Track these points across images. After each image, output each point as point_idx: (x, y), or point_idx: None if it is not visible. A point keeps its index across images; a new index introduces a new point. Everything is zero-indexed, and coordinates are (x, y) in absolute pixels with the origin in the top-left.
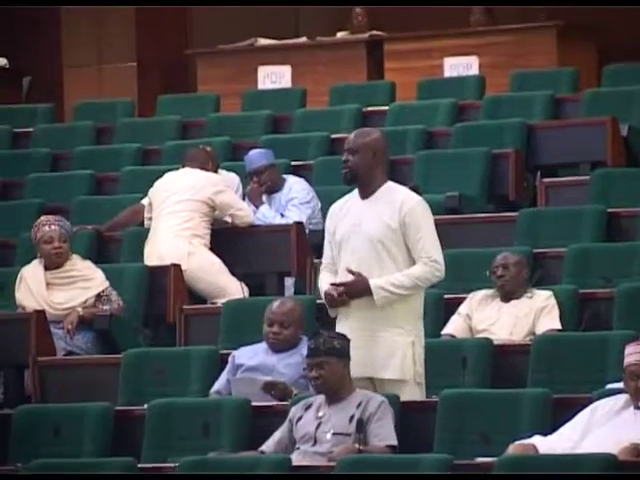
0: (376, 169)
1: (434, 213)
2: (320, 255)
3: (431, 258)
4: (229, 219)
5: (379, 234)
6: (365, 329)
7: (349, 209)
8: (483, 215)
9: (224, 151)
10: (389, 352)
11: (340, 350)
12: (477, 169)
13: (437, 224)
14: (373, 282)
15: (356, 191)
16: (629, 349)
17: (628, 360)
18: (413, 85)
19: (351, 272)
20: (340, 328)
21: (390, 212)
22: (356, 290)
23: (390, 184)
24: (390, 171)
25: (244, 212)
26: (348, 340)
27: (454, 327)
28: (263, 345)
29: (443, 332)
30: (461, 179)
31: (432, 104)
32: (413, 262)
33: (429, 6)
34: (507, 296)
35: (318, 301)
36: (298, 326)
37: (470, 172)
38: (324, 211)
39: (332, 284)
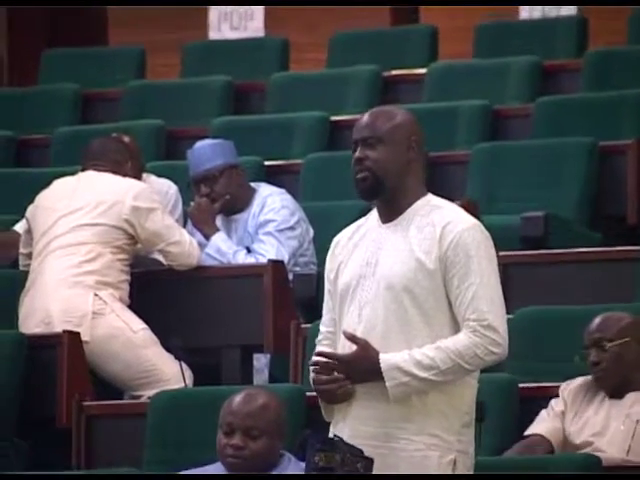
0: (411, 173)
1: (503, 245)
2: (313, 316)
3: (484, 322)
4: (160, 257)
5: (405, 279)
6: (373, 437)
7: (360, 241)
8: (585, 250)
9: (154, 143)
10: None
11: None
12: (574, 173)
13: (507, 264)
14: (386, 359)
15: (373, 214)
16: None
17: None
18: (467, 33)
19: (351, 338)
20: (337, 433)
21: (425, 242)
22: (358, 370)
23: (431, 198)
24: (428, 175)
25: (184, 245)
26: (372, 460)
27: (545, 427)
28: (217, 467)
29: (528, 432)
30: (548, 189)
31: (499, 65)
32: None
33: None
34: (615, 390)
35: (309, 393)
36: (275, 435)
37: (563, 178)
38: (321, 243)
39: (317, 352)
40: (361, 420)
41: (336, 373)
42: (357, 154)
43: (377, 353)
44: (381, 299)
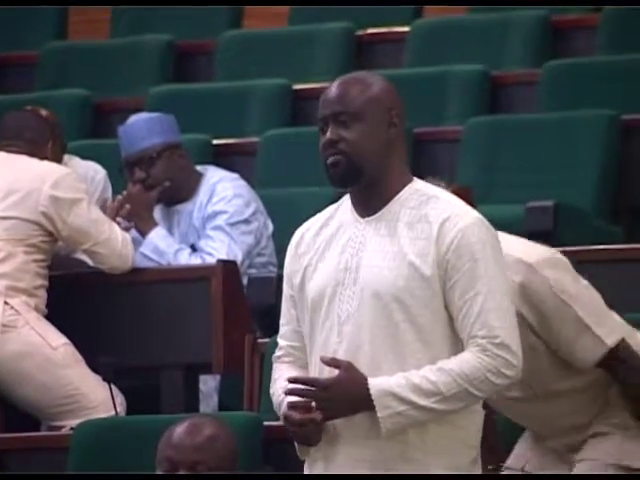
0: (394, 155)
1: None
2: (272, 328)
3: (496, 339)
4: (86, 257)
5: (395, 287)
6: None
7: (333, 238)
8: (604, 247)
9: (77, 117)
10: None
11: None
12: (591, 153)
13: None
14: (376, 384)
15: (346, 203)
16: None
17: None
18: None
19: (331, 362)
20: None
21: (418, 242)
22: (342, 397)
23: (419, 186)
24: (411, 156)
25: (115, 244)
26: None
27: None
28: None
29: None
30: (559, 173)
31: (498, 20)
32: (462, 347)
33: None
34: None
35: (267, 423)
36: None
37: (577, 159)
38: (282, 239)
39: (291, 379)
40: (348, 461)
41: (314, 404)
42: (328, 135)
43: (365, 377)
44: (366, 313)
